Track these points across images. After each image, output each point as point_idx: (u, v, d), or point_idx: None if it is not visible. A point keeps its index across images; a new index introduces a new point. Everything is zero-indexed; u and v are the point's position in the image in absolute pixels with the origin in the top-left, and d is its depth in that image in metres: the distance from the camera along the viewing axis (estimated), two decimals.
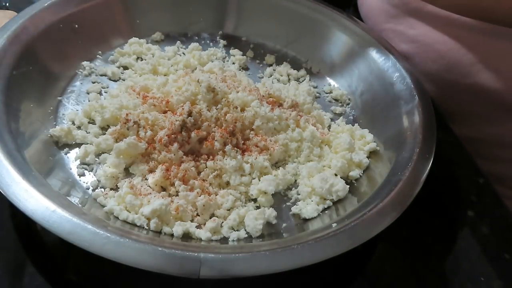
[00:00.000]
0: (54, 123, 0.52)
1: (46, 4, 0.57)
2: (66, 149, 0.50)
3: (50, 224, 0.35)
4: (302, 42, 0.70)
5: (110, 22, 0.64)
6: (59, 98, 0.55)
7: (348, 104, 0.64)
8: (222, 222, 0.45)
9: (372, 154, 0.55)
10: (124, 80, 0.60)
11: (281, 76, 0.66)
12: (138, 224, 0.43)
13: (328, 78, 0.68)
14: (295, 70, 0.67)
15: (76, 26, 0.60)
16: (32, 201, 0.37)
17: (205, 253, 0.35)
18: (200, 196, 0.46)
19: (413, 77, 0.58)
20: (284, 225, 0.47)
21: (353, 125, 0.59)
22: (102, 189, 0.46)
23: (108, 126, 0.53)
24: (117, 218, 0.43)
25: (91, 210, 0.43)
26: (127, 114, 0.51)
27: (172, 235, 0.43)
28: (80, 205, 0.43)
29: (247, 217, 0.45)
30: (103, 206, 0.44)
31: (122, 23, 0.65)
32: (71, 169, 0.48)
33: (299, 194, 0.50)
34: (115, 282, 0.41)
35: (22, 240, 0.42)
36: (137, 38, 0.65)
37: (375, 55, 0.63)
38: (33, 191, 0.37)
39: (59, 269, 0.41)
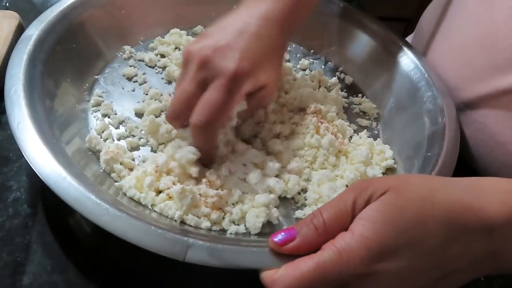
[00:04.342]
0: (88, 99, 0.55)
1: None
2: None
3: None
4: (339, 50, 0.70)
5: (156, 10, 0.66)
6: (96, 76, 0.58)
7: (375, 118, 0.63)
8: (225, 215, 0.46)
9: (388, 171, 0.54)
10: (160, 68, 0.62)
11: (312, 82, 0.66)
12: (143, 204, 0.45)
13: (359, 89, 0.67)
14: (328, 78, 0.67)
15: (123, 11, 0.63)
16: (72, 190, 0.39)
17: (195, 239, 0.36)
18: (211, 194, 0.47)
19: (445, 99, 0.57)
20: (285, 227, 0.47)
21: (375, 140, 0.58)
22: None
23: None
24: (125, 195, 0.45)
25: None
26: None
27: (172, 218, 0.44)
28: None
29: (249, 213, 0.46)
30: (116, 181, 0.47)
31: (167, 14, 0.68)
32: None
33: (306, 200, 0.50)
34: (116, 282, 0.42)
35: (23, 240, 0.43)
36: (178, 29, 0.68)
37: (411, 74, 0.62)
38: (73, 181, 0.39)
39: (60, 269, 0.41)
